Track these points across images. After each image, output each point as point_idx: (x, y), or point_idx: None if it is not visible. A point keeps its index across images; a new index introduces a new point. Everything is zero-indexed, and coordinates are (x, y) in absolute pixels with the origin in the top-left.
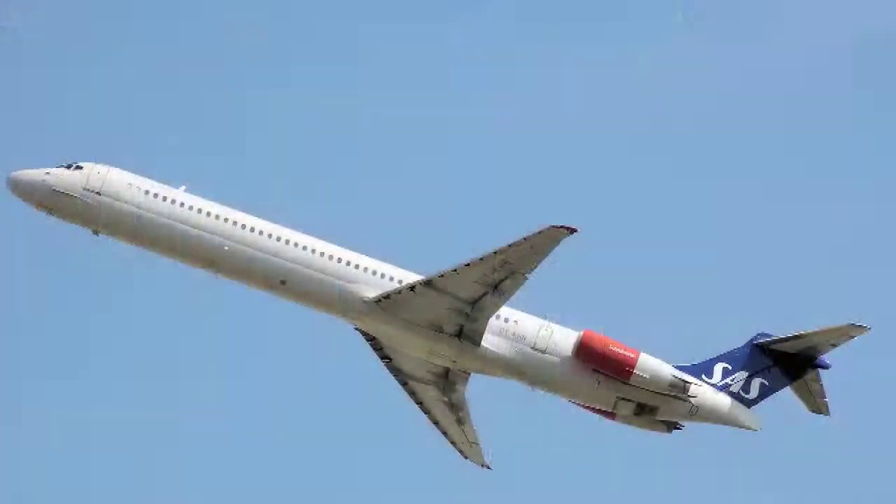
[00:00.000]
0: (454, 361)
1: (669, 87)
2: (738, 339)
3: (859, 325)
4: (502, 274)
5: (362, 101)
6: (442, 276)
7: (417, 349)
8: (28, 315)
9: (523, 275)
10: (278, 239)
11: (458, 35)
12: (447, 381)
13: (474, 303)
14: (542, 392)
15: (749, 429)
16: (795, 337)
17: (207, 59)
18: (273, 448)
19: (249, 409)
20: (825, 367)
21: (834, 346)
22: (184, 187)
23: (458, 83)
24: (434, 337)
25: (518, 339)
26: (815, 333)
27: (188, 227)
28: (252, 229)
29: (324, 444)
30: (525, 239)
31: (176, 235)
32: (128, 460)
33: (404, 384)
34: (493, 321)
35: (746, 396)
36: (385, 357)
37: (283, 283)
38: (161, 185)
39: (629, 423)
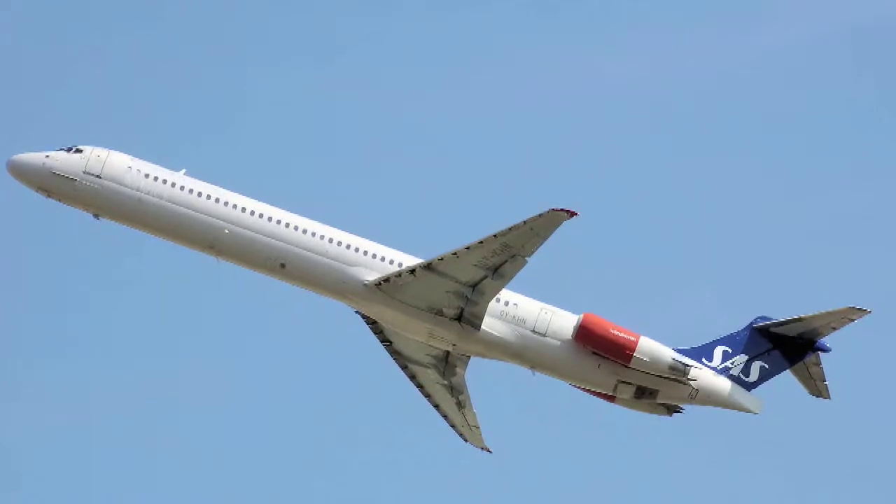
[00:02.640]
0: (454, 345)
1: (666, 75)
2: (738, 323)
3: (859, 308)
4: (502, 257)
5: (362, 92)
6: (442, 259)
7: (418, 333)
8: (28, 299)
9: (523, 258)
10: (279, 222)
11: (458, 29)
12: (447, 364)
13: (474, 286)
14: (542, 375)
15: (749, 412)
16: (795, 320)
17: (207, 47)
18: (273, 431)
19: (250, 392)
20: (825, 350)
21: (834, 329)
22: (184, 170)
23: (456, 76)
24: (434, 320)
25: (518, 322)
26: (816, 316)
27: (189, 210)
28: (252, 212)
29: (324, 427)
30: (525, 222)
31: (176, 218)
32: (128, 443)
33: (405, 368)
34: (493, 304)
35: (746, 380)
36: (385, 340)
37: (283, 266)
38: (161, 168)
39: (629, 406)
